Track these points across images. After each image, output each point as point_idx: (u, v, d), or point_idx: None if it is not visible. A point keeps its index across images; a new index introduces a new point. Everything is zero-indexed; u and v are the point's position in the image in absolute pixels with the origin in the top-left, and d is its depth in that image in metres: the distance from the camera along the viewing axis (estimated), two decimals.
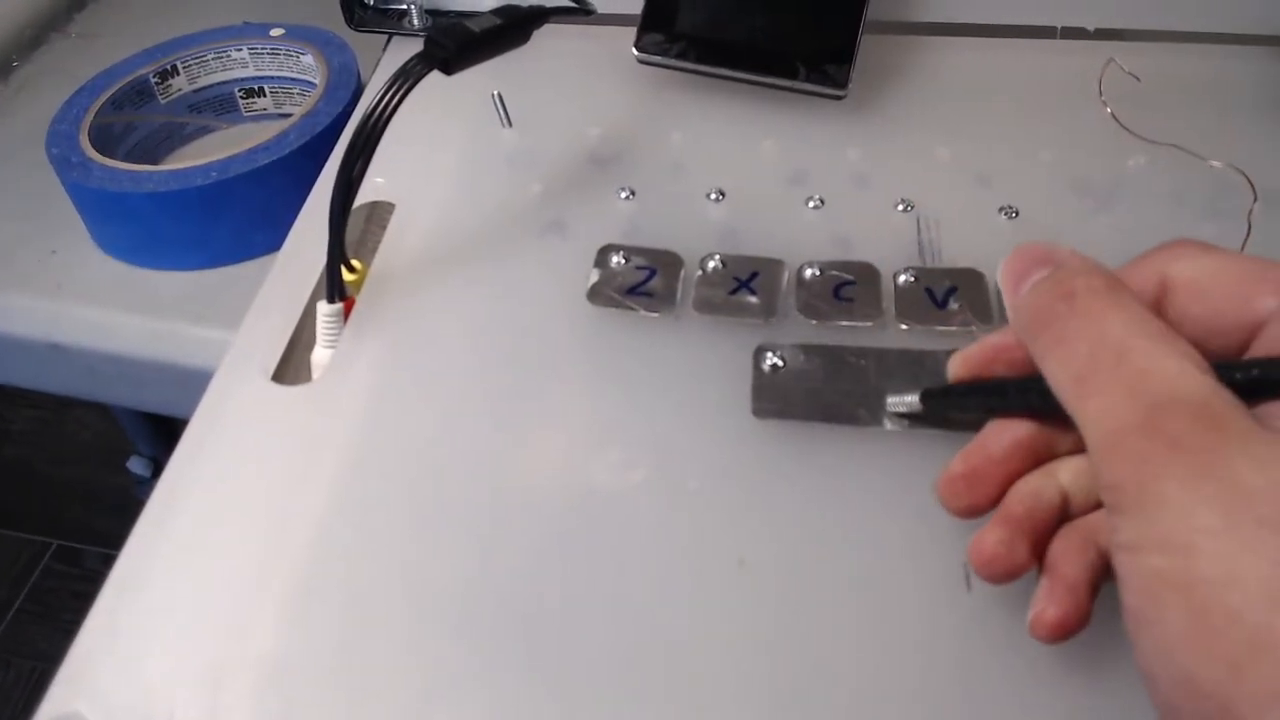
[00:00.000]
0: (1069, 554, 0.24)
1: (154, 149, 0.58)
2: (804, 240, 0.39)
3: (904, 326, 0.36)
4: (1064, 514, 0.25)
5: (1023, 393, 0.26)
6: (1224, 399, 0.20)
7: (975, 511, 0.26)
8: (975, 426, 0.27)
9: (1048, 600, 0.24)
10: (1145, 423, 0.20)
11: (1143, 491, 0.20)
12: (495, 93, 0.46)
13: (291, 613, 0.29)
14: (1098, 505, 0.25)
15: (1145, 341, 0.21)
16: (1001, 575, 0.25)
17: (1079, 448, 0.26)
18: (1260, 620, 0.17)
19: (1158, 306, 0.24)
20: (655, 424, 0.34)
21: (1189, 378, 0.20)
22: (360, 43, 0.55)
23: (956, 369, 0.28)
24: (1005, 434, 0.26)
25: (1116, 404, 0.21)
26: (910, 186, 0.41)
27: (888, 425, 0.32)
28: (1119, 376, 0.21)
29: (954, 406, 0.30)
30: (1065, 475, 0.25)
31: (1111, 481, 0.20)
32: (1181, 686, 0.19)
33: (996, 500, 0.26)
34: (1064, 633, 0.24)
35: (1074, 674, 0.27)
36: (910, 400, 0.31)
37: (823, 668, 0.28)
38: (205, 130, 0.60)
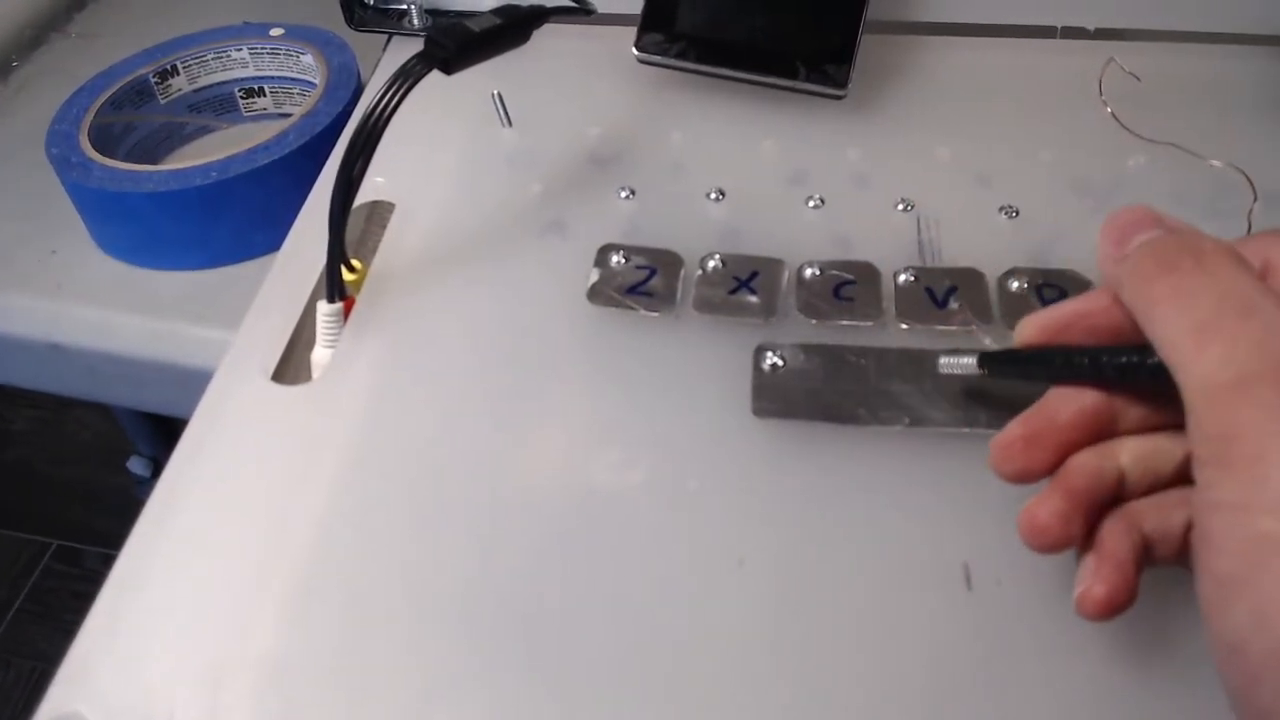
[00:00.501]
0: (1115, 534, 0.24)
1: (154, 149, 0.58)
2: (804, 240, 0.39)
3: (904, 326, 0.36)
4: (1117, 495, 0.25)
5: (1098, 363, 0.25)
6: None
7: (1028, 477, 0.25)
8: (1001, 416, 0.27)
9: (1095, 578, 0.24)
10: (1275, 375, 0.19)
11: (1262, 446, 0.19)
12: (495, 92, 0.46)
13: (291, 613, 0.29)
14: (1152, 490, 0.25)
15: (1273, 304, 0.21)
16: (1050, 546, 0.24)
17: (1143, 426, 0.25)
18: None
19: None
20: (655, 423, 0.34)
21: None
22: (360, 42, 0.55)
23: (1028, 334, 0.27)
24: (1072, 402, 0.26)
25: (1242, 352, 0.20)
26: (910, 186, 0.41)
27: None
28: (1248, 328, 0.20)
29: (1016, 372, 0.29)
30: (1125, 456, 0.25)
31: (1221, 431, 0.20)
32: (1277, 655, 0.18)
33: (1051, 469, 0.25)
34: (1112, 610, 0.23)
35: (1074, 674, 0.27)
36: (966, 362, 0.30)
37: (823, 667, 0.28)
38: (205, 130, 0.60)
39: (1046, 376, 0.27)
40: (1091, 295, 0.26)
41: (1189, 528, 0.24)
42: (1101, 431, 0.25)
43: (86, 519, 1.21)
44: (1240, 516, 0.19)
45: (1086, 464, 0.25)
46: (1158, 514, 0.25)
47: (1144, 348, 0.23)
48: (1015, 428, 0.26)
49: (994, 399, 0.32)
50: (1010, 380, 0.30)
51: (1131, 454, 0.25)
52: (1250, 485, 0.19)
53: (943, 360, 0.31)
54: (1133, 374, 0.24)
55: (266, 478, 0.33)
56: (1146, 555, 0.24)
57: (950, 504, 0.31)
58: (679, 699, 0.27)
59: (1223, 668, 0.20)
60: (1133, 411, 0.25)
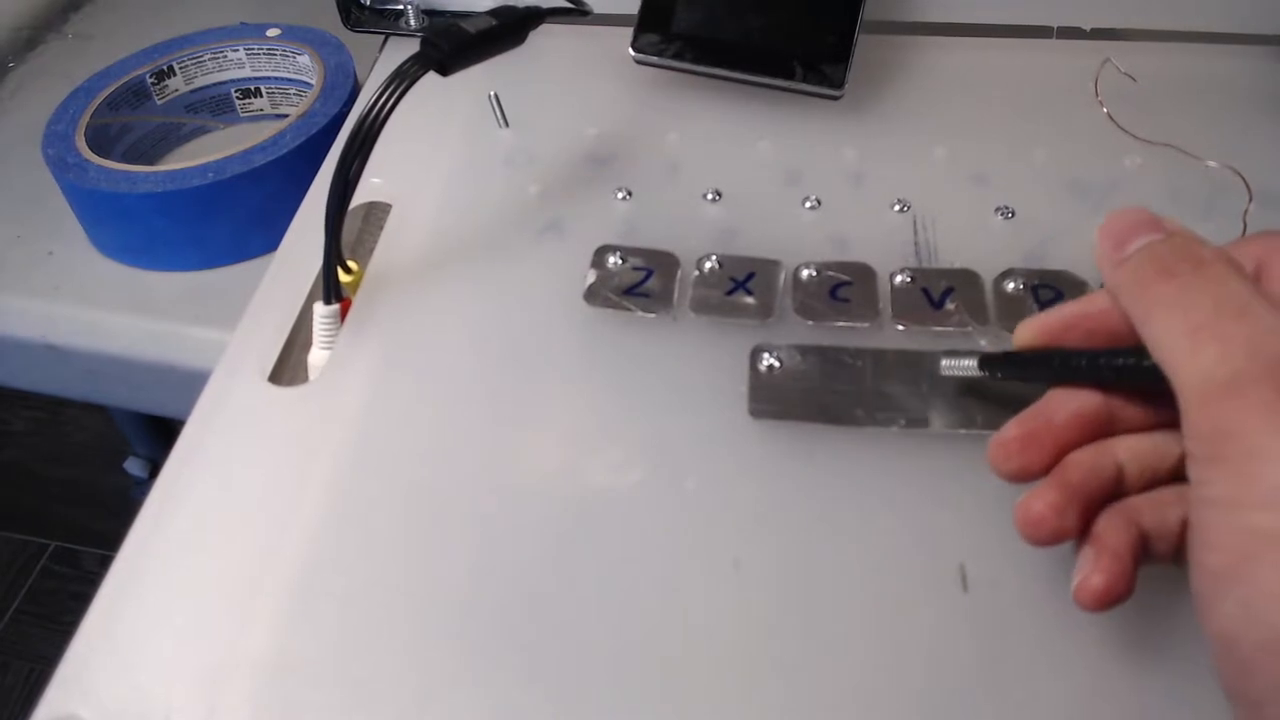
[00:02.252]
0: (1114, 527, 0.24)
1: (150, 150, 0.58)
2: (801, 240, 0.39)
3: (900, 327, 0.36)
4: (1115, 492, 0.25)
5: (1094, 365, 0.26)
6: None
7: (1025, 475, 0.26)
8: (998, 418, 0.27)
9: (1094, 567, 0.24)
10: (1268, 375, 0.20)
11: (1252, 443, 0.19)
12: (492, 93, 0.46)
13: (289, 615, 0.29)
14: (1150, 485, 0.25)
15: (1267, 308, 0.21)
16: (1046, 538, 0.25)
17: (1140, 426, 0.26)
18: None
19: None
20: (652, 425, 0.34)
21: None
22: (357, 43, 0.55)
23: (1026, 336, 0.28)
24: (1070, 402, 0.26)
25: (1238, 351, 0.21)
26: (907, 186, 0.41)
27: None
28: (1243, 329, 0.21)
29: (1015, 373, 0.29)
30: (1123, 453, 0.25)
31: (1215, 429, 0.20)
32: (1269, 647, 0.19)
33: (1047, 467, 0.26)
34: (1110, 600, 0.24)
35: (1069, 674, 0.27)
36: (967, 364, 0.31)
37: (818, 668, 0.28)
38: (202, 131, 0.60)
39: (1045, 378, 0.27)
40: (1089, 298, 0.27)
41: (1185, 524, 0.24)
42: (1098, 431, 0.26)
43: (84, 520, 1.21)
44: (1231, 512, 0.19)
45: (1083, 459, 0.25)
46: (1155, 510, 0.25)
47: (1140, 350, 0.24)
48: (1013, 427, 0.26)
49: (990, 400, 0.32)
50: (1010, 381, 0.30)
51: (1129, 451, 0.25)
52: (1242, 481, 0.19)
53: (944, 362, 0.31)
54: (1129, 375, 0.25)
55: (263, 479, 0.33)
56: (1144, 551, 0.24)
57: (946, 505, 0.31)
58: (675, 699, 0.27)
59: (1217, 661, 0.20)
60: (1130, 411, 0.26)
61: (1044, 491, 0.25)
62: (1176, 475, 0.25)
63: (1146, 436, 0.26)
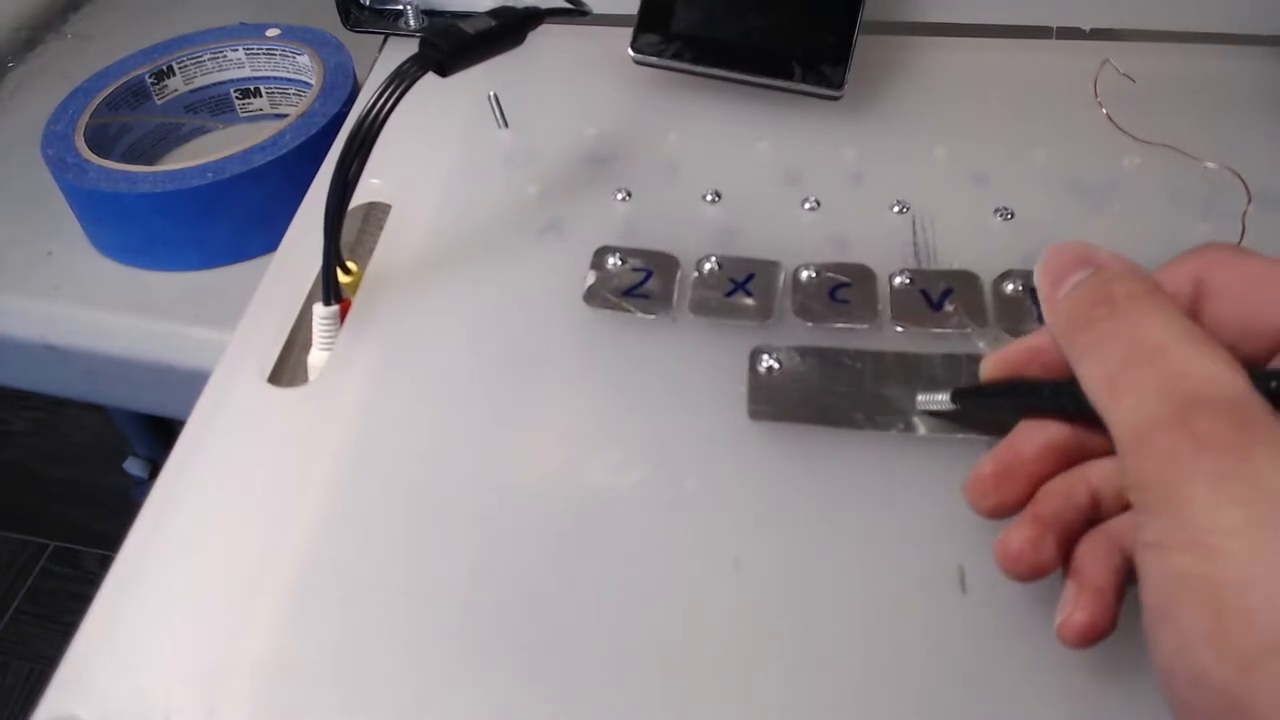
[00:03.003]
0: (1096, 557, 0.24)
1: (150, 150, 0.58)
2: (800, 241, 0.39)
3: (899, 329, 0.36)
4: (1093, 515, 0.25)
5: (1057, 395, 0.26)
6: (1256, 402, 0.20)
7: (1003, 511, 0.26)
8: (1000, 430, 0.27)
9: (1075, 605, 0.24)
10: (1175, 420, 0.20)
11: (1168, 490, 0.20)
12: (491, 94, 0.46)
13: (288, 615, 0.29)
14: (1127, 507, 0.25)
15: (1181, 344, 0.21)
16: (1027, 573, 0.25)
17: (1110, 451, 0.26)
18: (1274, 622, 0.18)
19: (1193, 310, 0.24)
20: (651, 426, 0.34)
21: (1222, 380, 0.21)
22: (356, 43, 0.55)
23: (990, 370, 0.28)
24: (1038, 435, 0.26)
25: (1147, 401, 0.21)
26: (906, 187, 0.42)
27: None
28: (1152, 375, 0.21)
29: (985, 406, 0.30)
30: (1096, 476, 0.25)
31: (1138, 479, 0.21)
32: (1196, 684, 0.19)
33: (1024, 501, 0.26)
34: (1092, 637, 0.24)
35: (1068, 676, 0.27)
36: (941, 399, 0.31)
37: (817, 669, 0.28)
38: (201, 131, 0.60)
39: (1013, 409, 0.27)
40: (1041, 333, 0.27)
41: None
42: (1070, 460, 0.26)
43: (84, 520, 1.21)
44: (1160, 555, 0.20)
45: (1055, 489, 0.26)
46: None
47: None
48: (987, 464, 0.26)
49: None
50: (983, 414, 0.30)
51: (1101, 475, 0.25)
52: (1165, 526, 0.20)
53: (920, 398, 0.32)
54: (1085, 404, 0.25)
55: (263, 480, 0.33)
56: (1131, 575, 0.24)
57: (945, 507, 0.31)
58: (674, 700, 0.27)
59: (1164, 689, 0.20)
60: (1098, 438, 0.26)
61: (1019, 527, 0.25)
62: None
63: (1116, 459, 0.26)
